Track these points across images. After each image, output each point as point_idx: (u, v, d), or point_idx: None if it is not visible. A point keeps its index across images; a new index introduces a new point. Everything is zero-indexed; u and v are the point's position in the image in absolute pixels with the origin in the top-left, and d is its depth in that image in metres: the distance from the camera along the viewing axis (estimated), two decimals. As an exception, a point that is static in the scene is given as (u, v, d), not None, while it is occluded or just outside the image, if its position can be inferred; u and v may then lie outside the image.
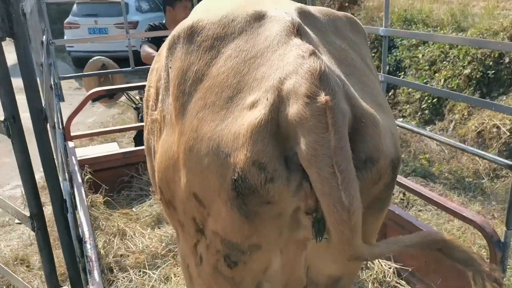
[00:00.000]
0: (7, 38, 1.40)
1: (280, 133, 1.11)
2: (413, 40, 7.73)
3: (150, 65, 4.43)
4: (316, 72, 1.06)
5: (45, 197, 5.30)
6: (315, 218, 1.18)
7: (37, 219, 1.44)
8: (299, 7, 1.36)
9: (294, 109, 1.06)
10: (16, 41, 1.33)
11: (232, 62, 1.23)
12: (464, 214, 2.15)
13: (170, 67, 1.39)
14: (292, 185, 1.12)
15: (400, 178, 2.60)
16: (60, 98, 3.70)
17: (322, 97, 1.03)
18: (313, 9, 1.41)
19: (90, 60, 4.84)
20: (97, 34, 12.00)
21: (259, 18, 1.29)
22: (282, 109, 1.09)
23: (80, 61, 11.99)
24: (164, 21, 4.57)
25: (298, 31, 1.20)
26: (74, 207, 2.03)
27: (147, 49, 4.25)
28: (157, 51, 4.25)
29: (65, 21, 12.11)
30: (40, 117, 1.34)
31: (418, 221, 2.71)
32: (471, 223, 2.13)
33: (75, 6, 12.27)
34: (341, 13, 1.50)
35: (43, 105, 1.35)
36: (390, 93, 7.54)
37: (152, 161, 1.68)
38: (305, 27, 1.24)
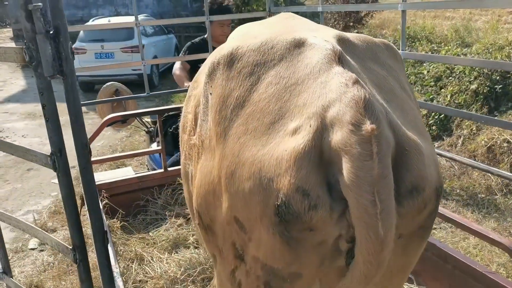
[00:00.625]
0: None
1: (323, 160, 1.11)
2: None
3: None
4: (361, 101, 1.07)
5: (56, 222, 5.34)
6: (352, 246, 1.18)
7: (79, 251, 1.46)
8: (338, 35, 1.38)
9: (338, 136, 1.06)
10: (65, 79, 1.38)
11: (273, 88, 1.25)
12: (490, 236, 2.14)
13: (210, 93, 1.41)
14: (334, 214, 1.12)
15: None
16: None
17: (368, 126, 1.03)
18: (351, 36, 1.43)
19: (104, 86, 4.88)
20: (104, 59, 12.17)
21: (298, 45, 1.31)
22: (325, 136, 1.10)
23: (87, 85, 12.15)
24: (206, 36, 4.66)
25: (339, 59, 1.21)
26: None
27: (178, 65, 4.48)
28: (191, 69, 4.38)
29: (72, 47, 12.27)
30: (84, 150, 1.38)
31: (441, 243, 2.69)
32: (499, 245, 2.12)
33: (81, 32, 12.46)
34: (378, 40, 1.51)
35: (87, 139, 1.39)
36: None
37: (189, 186, 1.69)
38: (346, 55, 1.25)
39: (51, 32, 1.37)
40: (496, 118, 5.63)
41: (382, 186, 1.03)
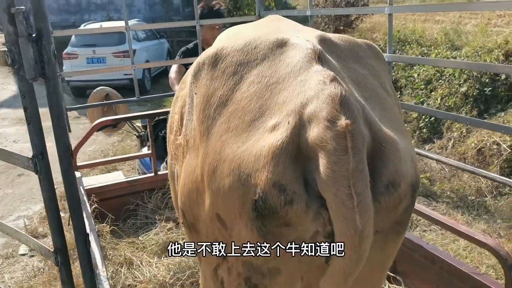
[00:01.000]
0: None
1: (300, 156, 1.13)
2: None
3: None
4: (337, 97, 1.09)
5: (47, 227, 5.31)
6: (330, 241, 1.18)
7: (61, 254, 1.46)
8: (320, 35, 1.40)
9: (314, 132, 1.08)
10: (47, 81, 1.38)
11: (255, 87, 1.26)
12: (476, 237, 2.14)
13: (195, 93, 1.43)
14: (310, 210, 1.13)
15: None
16: (68, 129, 3.73)
17: (343, 121, 1.05)
18: (334, 37, 1.45)
19: (94, 91, 4.87)
20: (95, 63, 12.15)
21: (281, 45, 1.33)
22: (302, 132, 1.11)
23: (79, 90, 12.11)
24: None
25: (319, 58, 1.23)
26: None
27: (174, 68, 4.41)
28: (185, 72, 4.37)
29: (63, 52, 12.24)
30: (67, 153, 1.38)
31: (428, 245, 2.70)
32: (484, 247, 2.12)
33: (73, 37, 12.43)
34: (360, 40, 1.53)
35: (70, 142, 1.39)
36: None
37: (175, 186, 1.70)
38: (326, 54, 1.27)
39: (33, 35, 1.38)
40: (486, 120, 5.68)
41: (358, 179, 1.04)
